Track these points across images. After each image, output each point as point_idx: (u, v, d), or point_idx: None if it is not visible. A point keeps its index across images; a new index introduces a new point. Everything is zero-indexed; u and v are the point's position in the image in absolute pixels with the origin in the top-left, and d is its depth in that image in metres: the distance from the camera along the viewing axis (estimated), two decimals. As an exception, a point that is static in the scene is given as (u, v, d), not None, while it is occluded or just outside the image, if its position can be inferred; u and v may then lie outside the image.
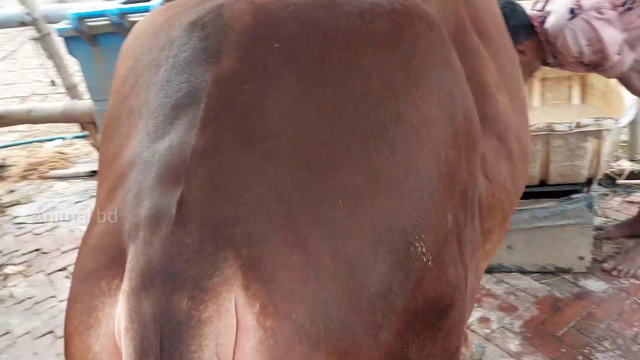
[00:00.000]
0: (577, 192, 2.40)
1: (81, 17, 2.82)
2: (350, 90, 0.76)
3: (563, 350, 2.12)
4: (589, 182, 2.43)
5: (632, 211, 2.82)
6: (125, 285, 0.66)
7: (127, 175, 0.75)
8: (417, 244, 0.75)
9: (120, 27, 2.76)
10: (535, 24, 2.08)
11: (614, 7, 1.88)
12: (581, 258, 2.46)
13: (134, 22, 2.64)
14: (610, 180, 3.19)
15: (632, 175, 3.22)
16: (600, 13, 1.86)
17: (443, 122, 0.82)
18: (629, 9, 1.90)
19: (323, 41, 0.78)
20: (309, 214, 0.69)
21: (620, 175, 3.19)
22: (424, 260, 0.76)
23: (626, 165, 3.30)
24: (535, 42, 2.12)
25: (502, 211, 1.16)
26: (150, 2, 2.76)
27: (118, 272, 0.69)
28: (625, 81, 2.10)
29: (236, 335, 0.64)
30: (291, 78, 0.75)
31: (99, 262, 0.72)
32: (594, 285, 2.42)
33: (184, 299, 0.63)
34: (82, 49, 2.94)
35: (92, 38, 2.91)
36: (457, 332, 0.89)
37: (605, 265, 2.49)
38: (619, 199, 3.06)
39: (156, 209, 0.67)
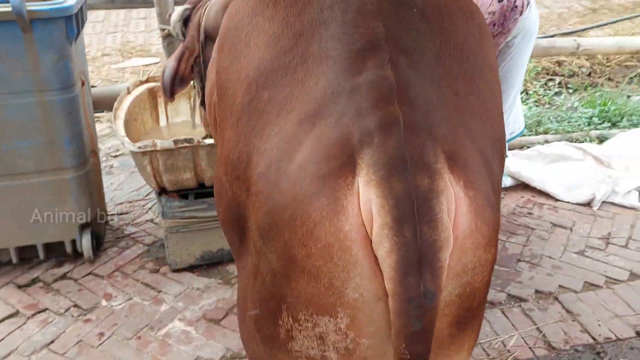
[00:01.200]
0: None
1: None
2: (462, 44, 1.11)
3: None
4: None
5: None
6: (371, 176, 0.90)
7: (332, 103, 0.97)
8: (504, 149, 1.13)
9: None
10: None
11: None
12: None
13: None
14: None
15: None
16: None
17: (496, 67, 1.20)
18: None
19: (438, 9, 1.12)
20: (464, 124, 1.02)
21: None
22: (505, 160, 1.14)
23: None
24: None
25: None
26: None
27: (350, 171, 0.92)
28: None
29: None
30: (432, 34, 1.07)
31: (331, 166, 0.93)
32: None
33: (425, 178, 0.90)
34: None
35: None
36: None
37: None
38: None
39: (385, 121, 0.93)
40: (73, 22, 2.49)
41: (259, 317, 1.08)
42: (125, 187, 3.57)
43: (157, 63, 5.66)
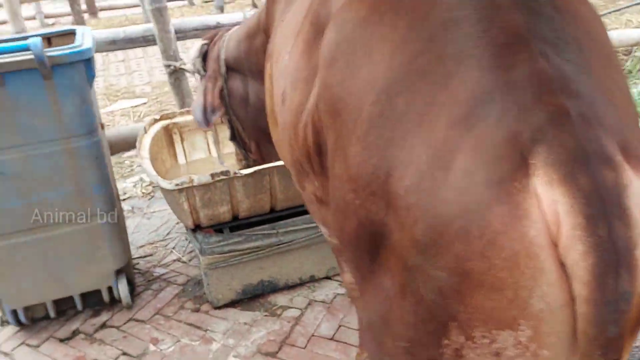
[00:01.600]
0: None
1: None
2: (593, 33, 1.09)
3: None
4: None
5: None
6: (551, 175, 0.85)
7: (486, 103, 0.92)
8: None
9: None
10: None
11: None
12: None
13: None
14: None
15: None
16: None
17: (616, 55, 1.19)
18: None
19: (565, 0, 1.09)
20: (620, 112, 0.99)
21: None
22: None
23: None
24: None
25: None
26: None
27: (524, 172, 0.87)
28: None
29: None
30: (567, 24, 1.03)
31: (504, 170, 0.87)
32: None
33: (610, 172, 0.86)
34: None
35: None
36: None
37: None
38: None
39: (554, 115, 0.88)
40: (92, 65, 2.46)
41: (414, 339, 1.02)
42: (142, 230, 3.51)
43: (145, 103, 5.62)
